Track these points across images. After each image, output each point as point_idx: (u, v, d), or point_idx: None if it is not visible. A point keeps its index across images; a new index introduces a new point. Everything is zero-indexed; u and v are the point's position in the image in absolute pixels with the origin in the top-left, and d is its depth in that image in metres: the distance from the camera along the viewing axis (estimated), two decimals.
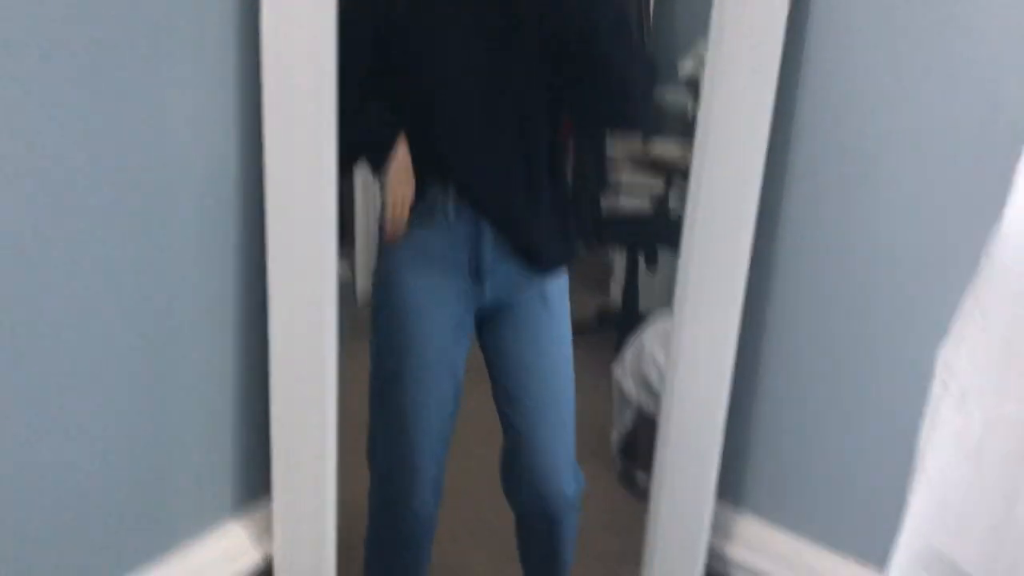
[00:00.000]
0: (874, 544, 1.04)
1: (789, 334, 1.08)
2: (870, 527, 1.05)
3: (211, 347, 1.02)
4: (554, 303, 1.27)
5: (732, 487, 1.14)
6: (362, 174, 1.61)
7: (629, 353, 1.77)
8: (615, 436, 1.79)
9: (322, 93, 0.95)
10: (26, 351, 0.84)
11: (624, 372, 1.80)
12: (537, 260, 1.23)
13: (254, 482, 1.10)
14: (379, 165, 1.18)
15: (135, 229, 0.90)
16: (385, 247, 1.23)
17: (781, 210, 1.05)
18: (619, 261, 2.10)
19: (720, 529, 1.15)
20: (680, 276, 1.08)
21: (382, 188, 1.19)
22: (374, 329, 1.26)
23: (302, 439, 1.05)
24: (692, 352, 1.08)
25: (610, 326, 2.03)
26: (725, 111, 1.01)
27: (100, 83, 0.84)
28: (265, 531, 1.10)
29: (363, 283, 1.75)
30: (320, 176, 0.97)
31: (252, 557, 1.09)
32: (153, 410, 0.97)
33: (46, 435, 0.88)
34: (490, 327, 1.28)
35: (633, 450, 1.79)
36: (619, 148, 1.97)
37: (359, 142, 1.18)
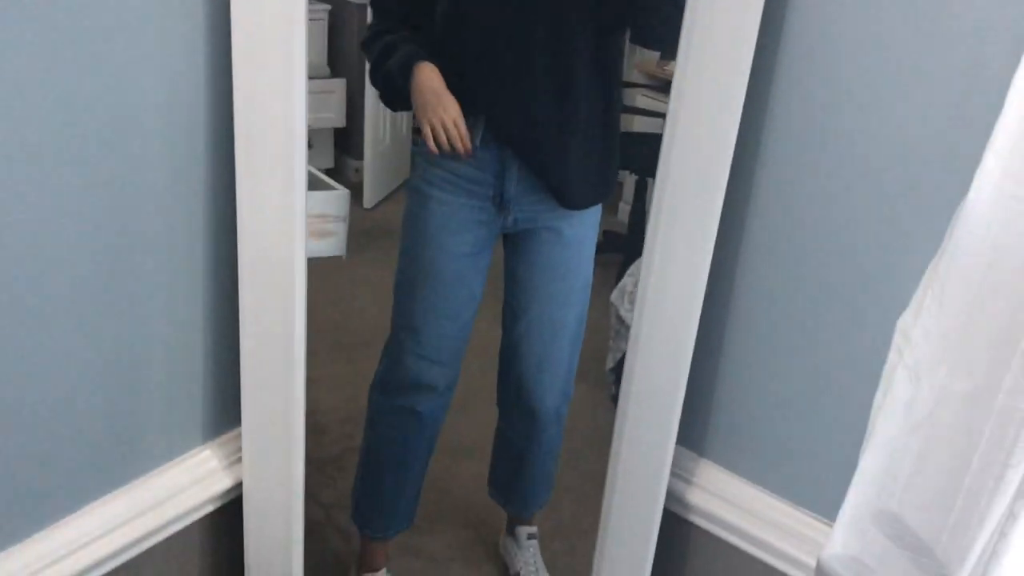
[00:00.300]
0: (827, 498, 1.05)
1: (757, 293, 1.06)
2: (824, 482, 1.06)
3: (182, 281, 1.03)
4: (576, 235, 1.28)
5: (695, 436, 1.15)
6: (372, 91, 1.61)
7: (628, 279, 1.76)
8: (610, 359, 1.80)
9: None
10: None
11: (622, 298, 1.79)
12: (564, 199, 1.23)
13: (226, 413, 1.13)
14: (402, 94, 1.18)
15: (101, 154, 0.90)
16: (417, 162, 1.25)
17: (756, 168, 1.02)
18: (629, 182, 2.06)
19: (681, 475, 1.16)
20: (651, 225, 1.07)
21: (414, 114, 1.19)
22: (402, 236, 1.29)
23: (270, 372, 1.07)
24: (660, 300, 1.07)
25: (616, 248, 2.01)
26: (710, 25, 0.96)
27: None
28: (236, 458, 1.13)
29: (371, 190, 1.76)
30: (288, 96, 0.95)
31: (223, 482, 1.13)
32: (124, 342, 1.00)
33: (21, 367, 0.91)
34: (511, 248, 1.30)
35: None
36: (635, 69, 1.91)
37: (383, 73, 1.20)
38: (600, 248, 1.82)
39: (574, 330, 1.34)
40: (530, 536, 1.48)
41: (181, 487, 1.09)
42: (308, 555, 1.19)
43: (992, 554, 0.89)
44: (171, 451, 1.09)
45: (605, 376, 1.79)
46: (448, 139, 1.14)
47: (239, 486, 1.13)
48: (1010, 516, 0.86)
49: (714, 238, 1.01)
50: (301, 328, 1.06)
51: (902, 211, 0.94)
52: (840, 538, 0.97)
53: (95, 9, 0.85)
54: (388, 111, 1.73)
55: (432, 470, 1.41)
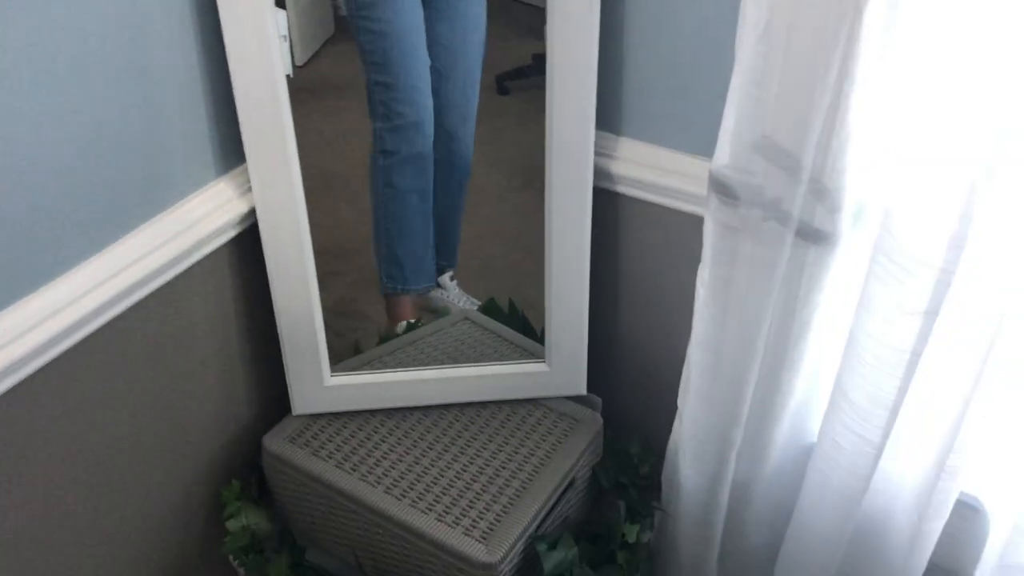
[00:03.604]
0: None
1: None
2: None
3: (175, 35, 1.19)
4: None
5: (611, 118, 1.34)
6: None
7: None
8: None
9: None
10: (16, 43, 1.00)
11: None
12: None
13: (232, 150, 1.31)
14: None
15: None
16: None
17: None
18: None
19: (605, 153, 1.35)
20: None
21: None
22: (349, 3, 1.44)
23: (260, 106, 1.24)
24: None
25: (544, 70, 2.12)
26: None
27: None
28: (247, 188, 1.32)
29: (299, 48, 1.75)
30: None
31: (239, 207, 1.31)
32: (140, 93, 1.16)
33: (49, 116, 1.06)
34: (432, 12, 1.43)
35: None
36: None
37: None
38: (530, 73, 1.88)
39: (478, 79, 1.49)
40: (452, 277, 1.66)
41: (206, 212, 1.28)
42: None
43: (831, 134, 1.09)
44: (193, 184, 1.27)
45: None
46: None
47: (250, 208, 1.32)
48: (841, 94, 1.06)
49: None
50: (281, 76, 1.24)
51: None
52: (726, 152, 1.16)
53: None
54: None
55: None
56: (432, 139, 1.50)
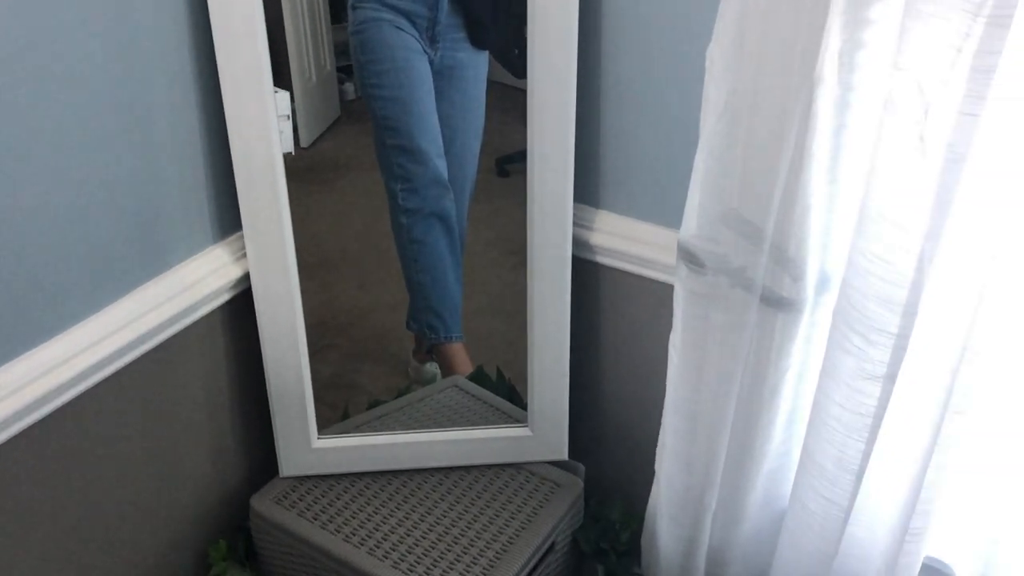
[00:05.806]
0: None
1: (617, 68, 1.32)
2: None
3: (180, 113, 1.28)
4: (481, 74, 1.50)
5: (590, 192, 1.42)
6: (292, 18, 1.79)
7: None
8: None
9: None
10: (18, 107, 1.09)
11: None
12: (479, 38, 1.45)
13: (229, 217, 1.38)
14: None
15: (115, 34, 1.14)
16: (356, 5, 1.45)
17: None
18: None
19: (584, 225, 1.43)
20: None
21: None
22: (363, 67, 1.50)
23: (258, 179, 1.33)
24: (542, 86, 1.34)
25: None
26: None
27: None
28: (241, 254, 1.40)
29: (306, 128, 1.77)
30: None
31: (233, 272, 1.39)
32: (143, 164, 1.24)
33: (60, 183, 1.14)
34: (436, 92, 1.51)
35: None
36: None
37: None
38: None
39: (476, 156, 1.56)
40: None
41: (202, 276, 1.35)
42: None
43: (791, 205, 1.16)
44: (191, 249, 1.35)
45: None
46: None
47: (244, 273, 1.39)
48: (800, 168, 1.13)
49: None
50: (278, 150, 1.33)
51: None
52: (693, 223, 1.23)
53: None
54: (311, 48, 1.88)
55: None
56: (451, 192, 1.55)
